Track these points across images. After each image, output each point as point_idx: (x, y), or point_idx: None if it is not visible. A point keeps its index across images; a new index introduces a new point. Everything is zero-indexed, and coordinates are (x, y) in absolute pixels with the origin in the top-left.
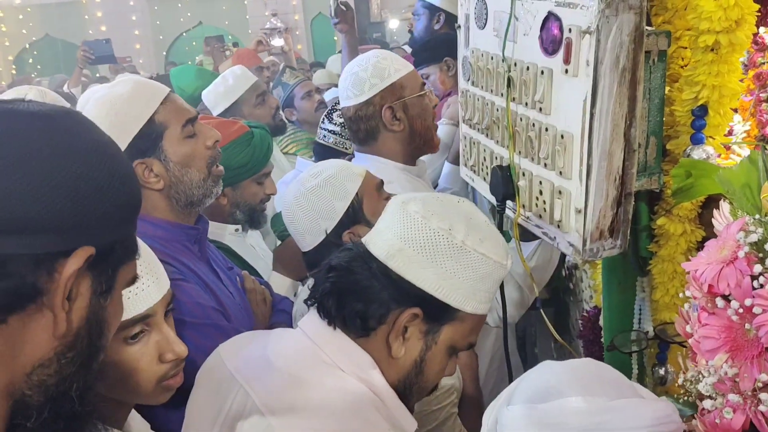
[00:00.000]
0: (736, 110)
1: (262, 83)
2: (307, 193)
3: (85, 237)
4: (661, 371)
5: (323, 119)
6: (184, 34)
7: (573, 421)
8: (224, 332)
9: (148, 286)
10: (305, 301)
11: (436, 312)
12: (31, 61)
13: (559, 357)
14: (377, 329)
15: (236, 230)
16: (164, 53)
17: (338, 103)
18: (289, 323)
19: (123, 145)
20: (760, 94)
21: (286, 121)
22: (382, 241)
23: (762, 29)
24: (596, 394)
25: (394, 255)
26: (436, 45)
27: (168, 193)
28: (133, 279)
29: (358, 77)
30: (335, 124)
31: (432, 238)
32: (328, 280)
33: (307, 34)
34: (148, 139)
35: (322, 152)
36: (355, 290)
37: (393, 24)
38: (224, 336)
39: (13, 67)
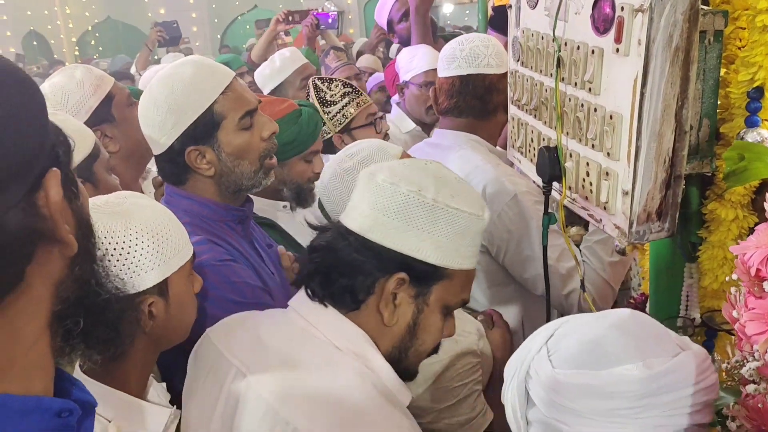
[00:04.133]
0: None
1: (312, 67)
2: (342, 173)
3: (36, 162)
4: None
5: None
6: (240, 17)
7: (634, 389)
8: None
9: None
10: (291, 283)
11: (422, 274)
12: (93, 42)
13: None
14: (367, 300)
15: (284, 206)
16: (219, 36)
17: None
18: None
19: (179, 131)
20: None
21: None
22: (357, 213)
23: None
24: (652, 355)
25: (370, 226)
26: None
27: (218, 180)
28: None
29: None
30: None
31: (404, 202)
32: (312, 261)
33: (360, 18)
34: (204, 128)
35: (325, 149)
36: (338, 266)
37: (447, 8)
38: None
39: (76, 48)
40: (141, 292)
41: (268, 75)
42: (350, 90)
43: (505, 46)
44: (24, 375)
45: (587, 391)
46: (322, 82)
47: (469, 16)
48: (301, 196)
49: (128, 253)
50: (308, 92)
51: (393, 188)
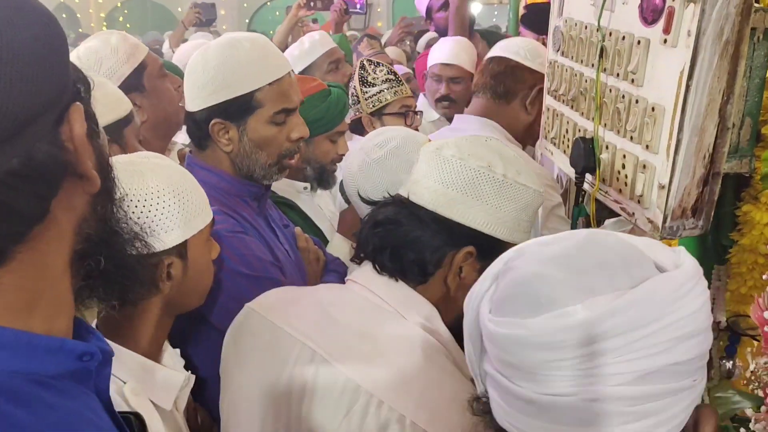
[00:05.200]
0: None
1: (340, 51)
2: (372, 164)
3: (63, 95)
4: (728, 365)
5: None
6: (268, 3)
7: (571, 337)
8: (280, 286)
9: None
10: (352, 259)
11: (488, 247)
12: (121, 19)
13: None
14: (435, 273)
15: (305, 188)
16: (247, 21)
17: (350, 80)
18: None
19: (214, 100)
20: None
21: None
22: (424, 188)
23: None
24: (597, 292)
25: (439, 200)
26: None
27: (233, 159)
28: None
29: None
30: (350, 97)
31: (474, 177)
32: (376, 235)
33: (388, 11)
34: (238, 109)
35: (353, 126)
36: (407, 241)
37: (475, 8)
38: None
39: (104, 24)
40: (161, 252)
41: (297, 56)
42: (393, 78)
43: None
44: (47, 313)
45: (521, 343)
46: (369, 64)
47: (497, 16)
48: (324, 177)
49: (150, 211)
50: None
51: (462, 163)
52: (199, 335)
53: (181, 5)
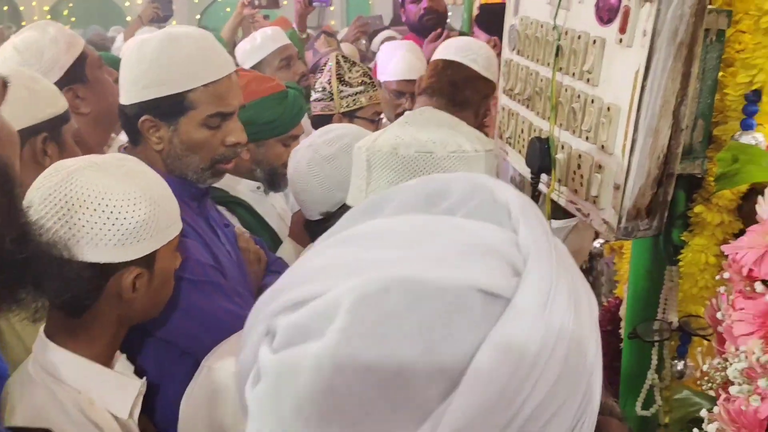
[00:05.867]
0: None
1: (293, 48)
2: (322, 161)
3: None
4: (680, 365)
5: (311, 91)
6: None
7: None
8: (222, 290)
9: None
10: None
11: None
12: (65, 12)
13: None
14: None
15: (258, 188)
16: (198, 17)
17: (318, 73)
18: None
19: (145, 96)
20: None
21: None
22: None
23: None
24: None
25: None
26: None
27: (164, 159)
28: None
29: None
30: (318, 91)
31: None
32: None
33: (342, 9)
34: (170, 108)
35: (315, 121)
36: None
37: None
38: (222, 294)
39: (48, 17)
40: (128, 261)
41: (248, 51)
42: (369, 81)
43: (489, 44)
44: None
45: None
46: (345, 61)
47: (451, 17)
48: (275, 180)
49: (124, 218)
50: (327, 62)
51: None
52: (138, 341)
53: None
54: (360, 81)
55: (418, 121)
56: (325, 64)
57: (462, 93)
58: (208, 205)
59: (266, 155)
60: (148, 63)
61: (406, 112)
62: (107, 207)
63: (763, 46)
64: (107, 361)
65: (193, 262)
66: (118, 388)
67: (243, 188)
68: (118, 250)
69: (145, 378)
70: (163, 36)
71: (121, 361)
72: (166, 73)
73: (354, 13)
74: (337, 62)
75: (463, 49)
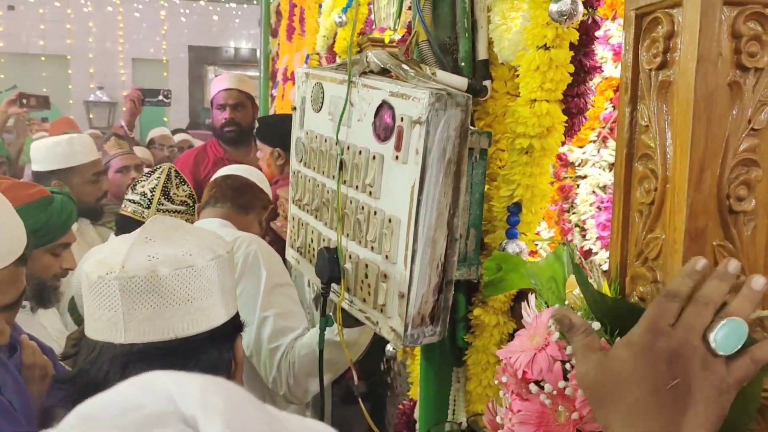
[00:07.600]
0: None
1: (104, 166)
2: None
3: None
4: None
5: (128, 190)
6: None
7: None
8: None
9: None
10: None
11: None
12: None
13: None
14: None
15: (23, 307)
16: None
17: (144, 175)
18: (66, 404)
19: None
20: (563, 205)
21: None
22: None
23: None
24: None
25: None
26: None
27: None
28: None
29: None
30: (137, 194)
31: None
32: None
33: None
34: None
35: (122, 222)
36: None
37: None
38: None
39: None
40: None
41: (60, 153)
42: (191, 204)
43: (273, 155)
44: None
45: None
46: (176, 176)
47: None
48: (43, 295)
49: None
50: (158, 170)
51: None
52: None
53: None
54: (182, 201)
55: (160, 234)
56: (154, 171)
57: (243, 197)
58: None
59: (33, 268)
60: None
61: (138, 230)
62: None
63: (518, 164)
64: None
65: None
66: None
67: None
68: None
69: None
70: None
71: None
72: None
73: (146, 114)
74: (168, 175)
75: (238, 169)
